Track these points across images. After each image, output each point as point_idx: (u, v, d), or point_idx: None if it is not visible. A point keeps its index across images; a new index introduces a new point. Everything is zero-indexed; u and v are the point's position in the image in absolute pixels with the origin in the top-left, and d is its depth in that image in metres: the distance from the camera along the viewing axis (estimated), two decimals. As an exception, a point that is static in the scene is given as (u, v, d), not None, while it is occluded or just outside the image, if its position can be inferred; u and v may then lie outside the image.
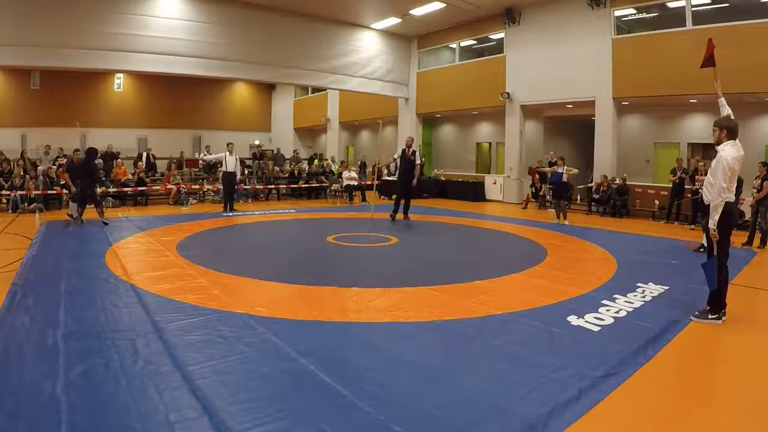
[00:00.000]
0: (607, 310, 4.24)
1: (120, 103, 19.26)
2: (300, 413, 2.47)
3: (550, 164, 12.24)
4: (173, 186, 13.29)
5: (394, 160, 10.59)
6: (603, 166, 12.74)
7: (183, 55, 12.73)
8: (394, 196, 10.58)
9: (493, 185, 15.88)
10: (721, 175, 3.86)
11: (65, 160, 11.91)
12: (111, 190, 12.53)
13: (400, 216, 10.05)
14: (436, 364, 3.12)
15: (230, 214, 11.09)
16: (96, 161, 9.51)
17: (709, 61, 4.92)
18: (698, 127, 12.79)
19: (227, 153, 11.52)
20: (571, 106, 14.07)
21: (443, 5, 14.06)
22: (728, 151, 3.92)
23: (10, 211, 10.93)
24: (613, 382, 2.89)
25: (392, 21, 15.87)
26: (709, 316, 4.04)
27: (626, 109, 13.69)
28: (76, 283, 4.88)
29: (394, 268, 6.08)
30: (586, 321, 3.95)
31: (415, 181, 9.99)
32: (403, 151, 9.93)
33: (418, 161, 10.00)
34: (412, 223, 9.84)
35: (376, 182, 13.14)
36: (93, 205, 9.36)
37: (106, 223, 8.92)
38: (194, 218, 10.18)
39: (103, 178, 13.00)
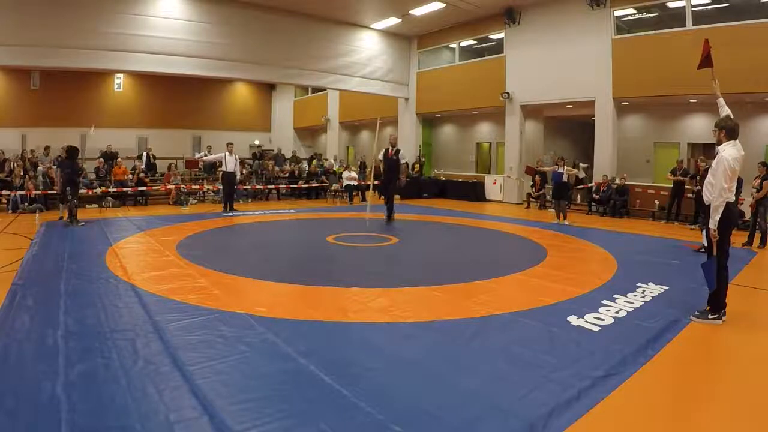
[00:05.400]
0: (607, 310, 4.24)
1: (120, 103, 19.25)
2: (300, 413, 2.47)
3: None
4: (173, 186, 13.29)
5: (379, 161, 9.92)
6: (603, 166, 12.75)
7: (183, 55, 12.73)
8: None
9: (493, 185, 15.89)
10: (722, 175, 3.86)
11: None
12: (111, 190, 12.54)
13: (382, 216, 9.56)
14: (436, 364, 3.12)
15: (230, 214, 11.10)
16: (78, 160, 9.40)
17: (705, 61, 4.91)
18: (698, 127, 12.81)
19: (227, 153, 11.53)
20: (571, 106, 14.07)
21: (443, 5, 14.06)
22: (729, 152, 3.92)
23: (10, 211, 10.94)
24: (614, 382, 2.89)
25: (392, 21, 15.87)
26: (709, 316, 4.04)
27: (626, 109, 13.69)
28: (76, 283, 4.88)
29: (394, 268, 6.08)
30: (586, 321, 3.95)
31: (403, 178, 9.52)
32: (386, 150, 9.57)
33: (403, 160, 9.61)
34: (408, 225, 9.81)
35: (374, 182, 13.10)
36: (64, 204, 9.18)
37: (67, 225, 8.75)
38: (194, 218, 10.18)
39: (103, 176, 13.03)
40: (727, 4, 11.08)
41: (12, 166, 11.94)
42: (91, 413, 2.43)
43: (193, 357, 3.10)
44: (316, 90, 22.12)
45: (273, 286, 4.99)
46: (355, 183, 14.85)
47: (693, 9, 11.05)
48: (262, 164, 16.26)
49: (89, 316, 3.87)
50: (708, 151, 11.69)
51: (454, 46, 16.94)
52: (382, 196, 9.55)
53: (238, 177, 12.10)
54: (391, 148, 9.51)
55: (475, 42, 16.62)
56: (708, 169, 4.20)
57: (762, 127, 11.42)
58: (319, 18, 14.99)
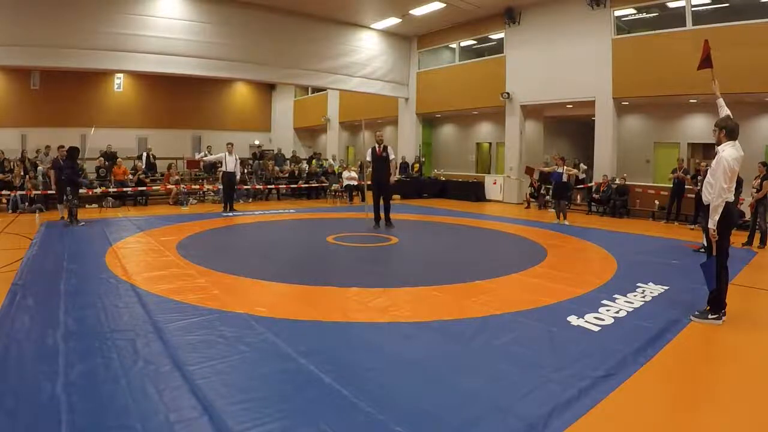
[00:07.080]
0: (607, 310, 4.23)
1: (120, 103, 19.25)
2: (300, 413, 2.47)
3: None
4: (173, 186, 13.29)
5: (367, 162, 9.11)
6: (603, 166, 12.75)
7: (183, 55, 12.72)
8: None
9: (493, 185, 15.89)
10: (722, 175, 3.86)
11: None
12: (111, 190, 12.54)
13: (381, 216, 9.14)
14: (436, 364, 3.12)
15: (230, 214, 11.10)
16: (78, 160, 9.38)
17: (705, 62, 4.91)
18: (698, 127, 12.80)
19: (227, 153, 11.54)
20: (571, 106, 14.07)
21: (443, 5, 14.06)
22: (728, 152, 3.92)
23: (10, 211, 10.94)
24: (613, 382, 2.89)
25: (392, 21, 15.86)
26: (709, 316, 4.04)
27: (626, 109, 13.69)
28: (76, 283, 4.88)
29: (394, 268, 6.08)
30: (586, 321, 3.95)
31: (395, 175, 9.00)
32: (373, 149, 8.99)
33: (391, 156, 9.11)
34: (408, 225, 9.80)
35: (367, 183, 13.01)
36: (63, 204, 9.23)
37: (67, 225, 8.76)
38: (194, 218, 10.18)
39: (103, 175, 13.04)
40: (727, 4, 11.08)
41: (12, 166, 11.94)
42: (91, 413, 2.43)
43: (193, 357, 3.10)
44: (316, 90, 22.11)
45: (273, 286, 4.99)
46: (355, 183, 14.86)
47: (693, 9, 11.05)
48: (262, 164, 16.26)
49: (89, 316, 3.87)
50: (708, 151, 11.70)
51: (454, 46, 16.93)
52: (382, 197, 9.05)
53: (238, 177, 12.10)
54: (378, 146, 8.97)
55: (475, 42, 16.61)
56: (708, 169, 4.20)
57: (762, 127, 11.42)
58: (319, 18, 14.99)
